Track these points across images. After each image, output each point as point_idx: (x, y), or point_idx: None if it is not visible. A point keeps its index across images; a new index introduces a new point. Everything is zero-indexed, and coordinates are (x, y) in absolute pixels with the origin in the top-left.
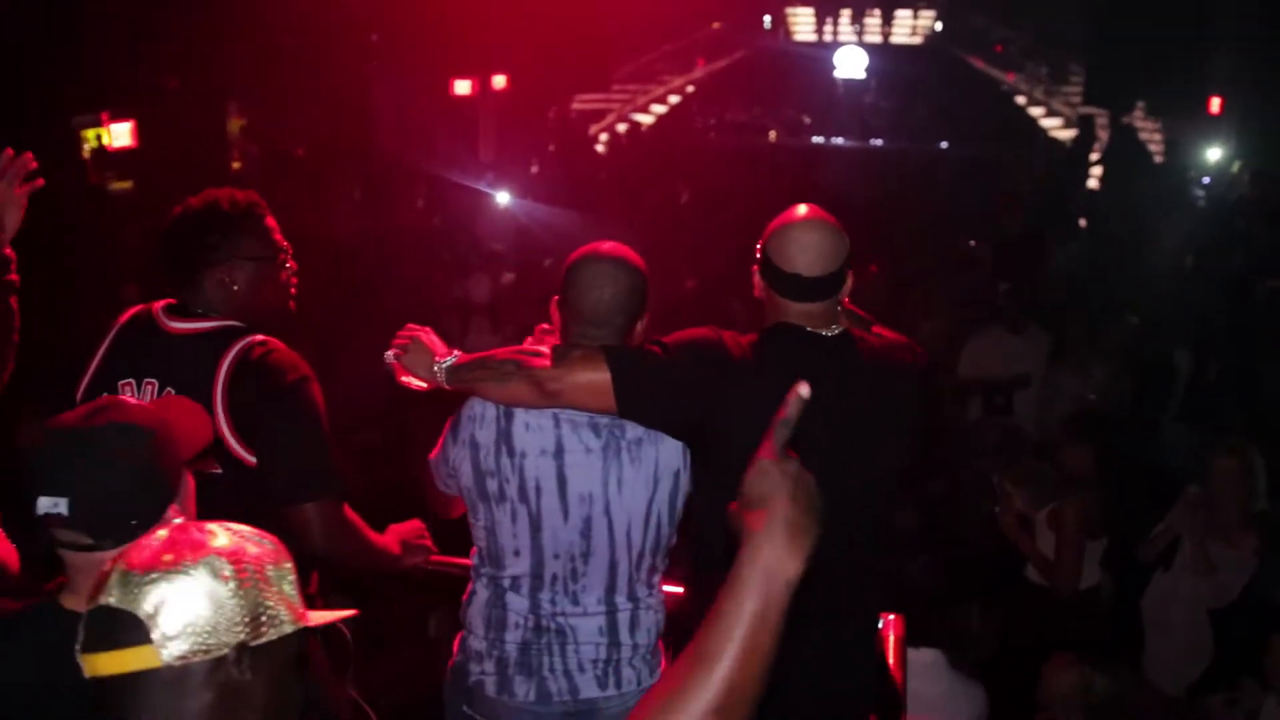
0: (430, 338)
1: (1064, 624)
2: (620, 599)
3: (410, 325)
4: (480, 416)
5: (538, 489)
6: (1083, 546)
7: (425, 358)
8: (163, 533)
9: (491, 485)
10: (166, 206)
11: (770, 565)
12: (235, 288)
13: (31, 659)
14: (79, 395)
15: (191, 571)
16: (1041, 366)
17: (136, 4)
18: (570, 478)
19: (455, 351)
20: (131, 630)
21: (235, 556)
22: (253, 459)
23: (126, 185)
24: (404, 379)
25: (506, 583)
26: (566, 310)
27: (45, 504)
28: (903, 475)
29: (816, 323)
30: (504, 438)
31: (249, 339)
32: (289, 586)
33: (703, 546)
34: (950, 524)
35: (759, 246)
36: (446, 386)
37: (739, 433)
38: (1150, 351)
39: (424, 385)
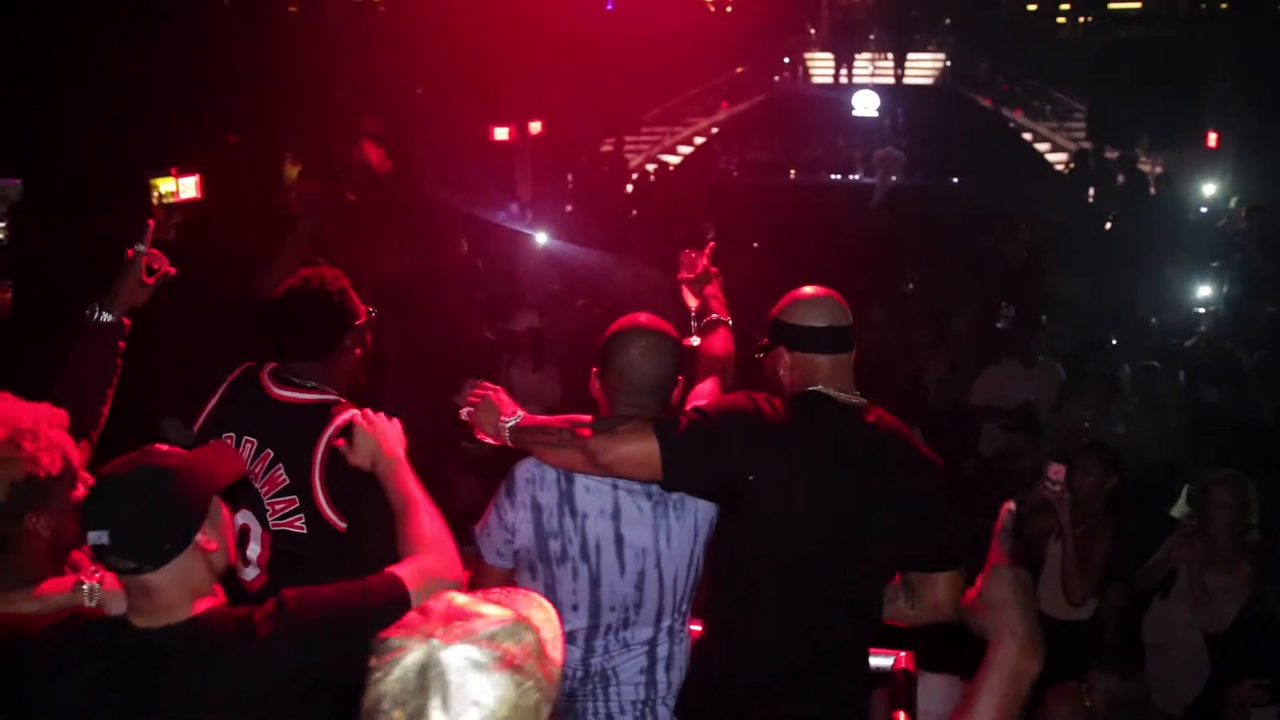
0: (500, 397)
1: (1069, 651)
2: (661, 636)
3: (483, 384)
4: (540, 479)
5: (598, 547)
6: (1106, 568)
7: (493, 416)
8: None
9: (554, 546)
10: (230, 250)
11: (1018, 667)
12: (339, 368)
13: (109, 674)
14: (195, 433)
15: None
16: (1052, 398)
17: (202, 66)
18: (627, 536)
19: (520, 411)
20: None
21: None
22: (343, 525)
23: (193, 233)
24: (479, 434)
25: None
26: (615, 380)
27: (93, 537)
28: (909, 555)
29: (842, 383)
30: (566, 500)
31: (348, 414)
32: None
33: (726, 592)
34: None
35: (771, 323)
36: (510, 444)
37: (772, 494)
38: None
39: (493, 441)
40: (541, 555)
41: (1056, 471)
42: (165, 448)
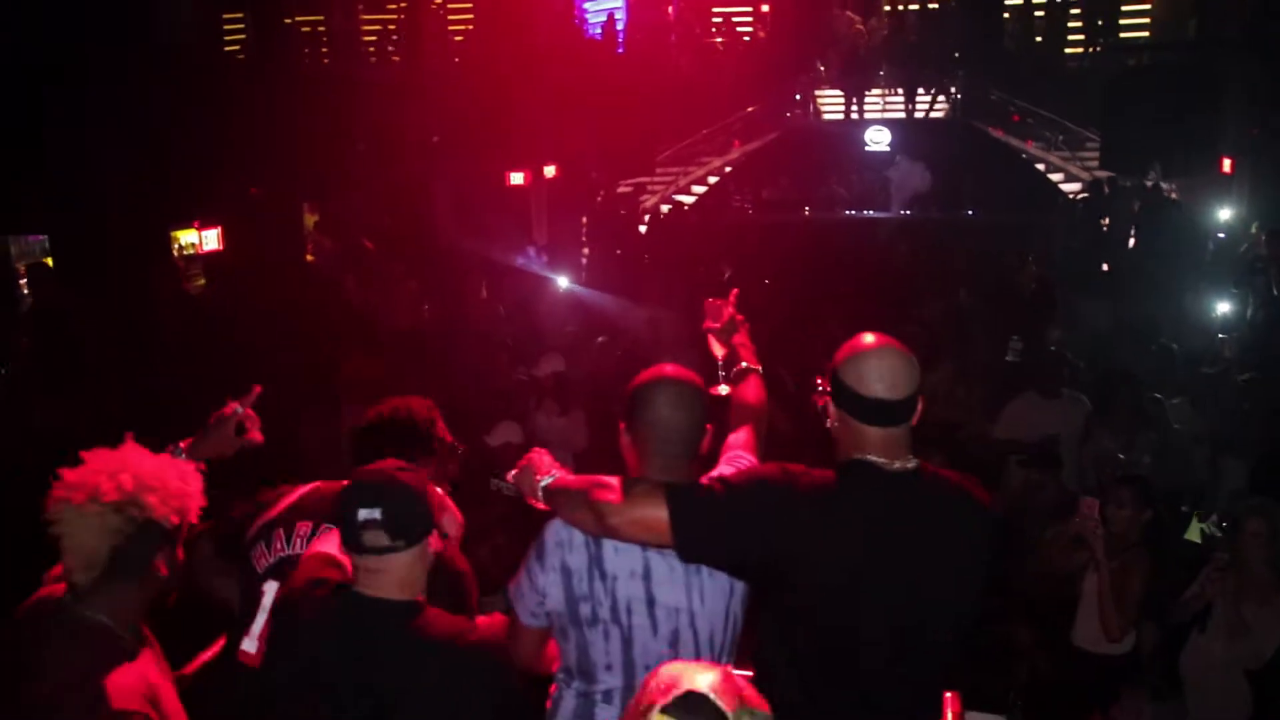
0: (540, 458)
1: (1108, 685)
2: None
3: (535, 449)
4: (569, 542)
5: (629, 609)
6: (1143, 602)
7: (531, 476)
8: None
9: (584, 609)
10: (250, 301)
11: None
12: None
13: (345, 640)
14: (258, 529)
15: None
16: (1076, 430)
17: (224, 120)
18: (658, 596)
19: (555, 472)
20: None
21: None
22: None
23: (213, 285)
24: (529, 499)
25: (599, 696)
26: (644, 433)
27: (364, 513)
28: (969, 620)
29: (893, 453)
30: (595, 562)
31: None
32: None
33: (766, 670)
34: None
35: (830, 373)
36: (544, 506)
37: (813, 576)
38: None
39: (538, 504)
40: (572, 619)
41: (1090, 505)
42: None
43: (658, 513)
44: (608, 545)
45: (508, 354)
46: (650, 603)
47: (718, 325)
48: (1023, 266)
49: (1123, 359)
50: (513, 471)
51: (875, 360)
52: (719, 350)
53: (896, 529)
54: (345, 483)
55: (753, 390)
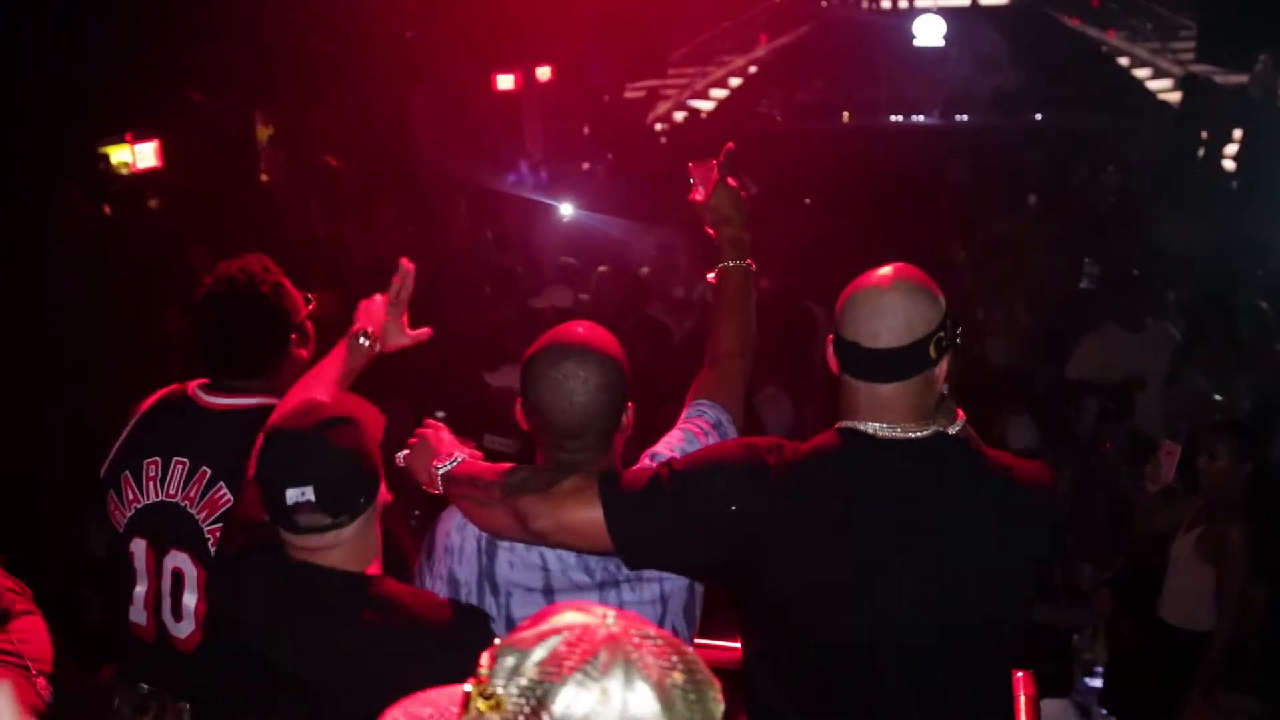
0: (438, 437)
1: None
2: None
3: (429, 421)
4: (458, 549)
5: None
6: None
7: (426, 460)
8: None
9: None
10: (194, 227)
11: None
12: (284, 374)
13: (288, 625)
14: (102, 475)
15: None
16: (1165, 366)
17: (156, 17)
18: None
19: (459, 454)
20: None
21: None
22: None
23: (152, 206)
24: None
25: None
26: (532, 419)
27: (294, 494)
28: (1011, 632)
29: (891, 415)
30: (486, 575)
31: None
32: None
33: (755, 697)
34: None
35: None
36: (441, 494)
37: (782, 570)
38: None
39: (430, 490)
40: None
41: (1169, 451)
42: (326, 399)
43: (590, 514)
44: (501, 559)
45: (497, 288)
46: None
47: (704, 198)
48: (1099, 178)
49: (1222, 287)
50: (403, 452)
51: (866, 298)
52: (712, 231)
53: (884, 510)
54: (191, 387)
55: (738, 297)
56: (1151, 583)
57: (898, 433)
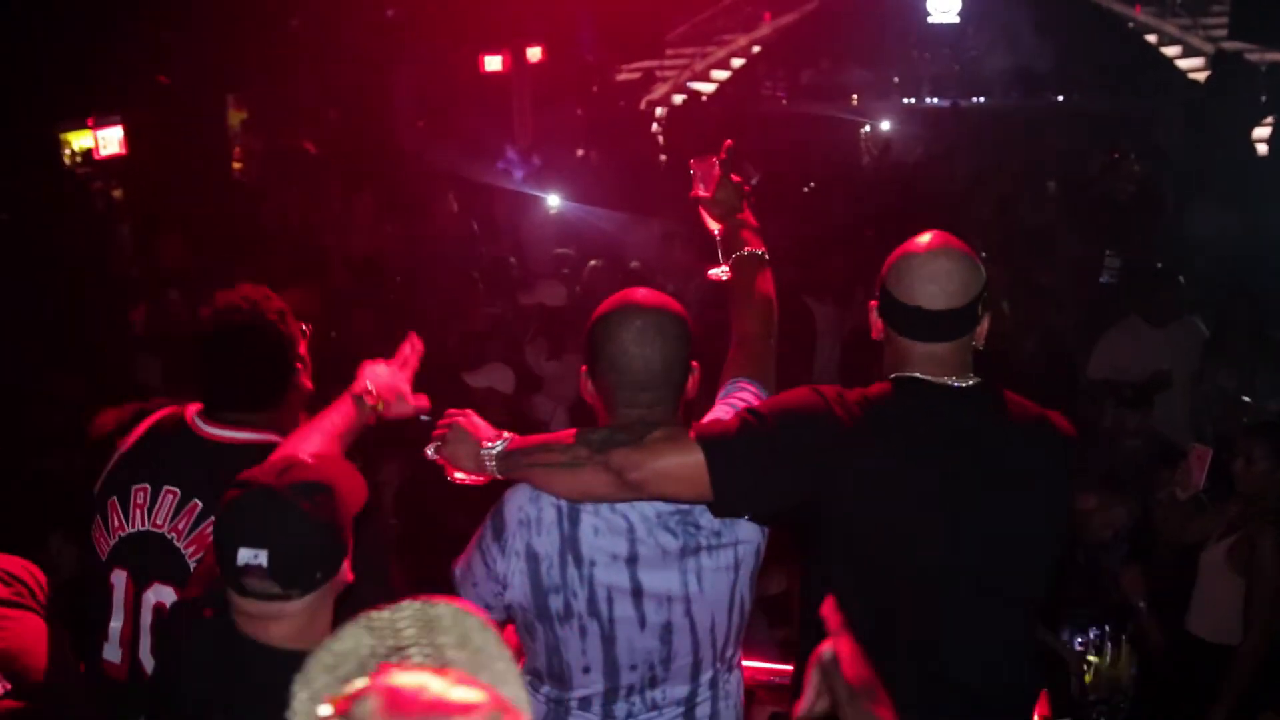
0: (472, 421)
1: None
2: (701, 692)
3: (450, 411)
4: (535, 521)
5: (609, 600)
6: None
7: (470, 446)
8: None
9: (555, 603)
10: (162, 218)
11: None
12: (285, 410)
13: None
14: (95, 493)
15: None
16: (1191, 364)
17: None
18: (646, 583)
19: (505, 434)
20: None
21: None
22: None
23: (116, 195)
24: (455, 475)
25: (574, 703)
26: (607, 376)
27: (246, 555)
28: (1057, 562)
29: (945, 370)
30: (570, 545)
31: None
32: None
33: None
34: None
35: (880, 279)
36: (499, 476)
37: (857, 508)
38: None
39: (478, 479)
40: (541, 613)
41: (1201, 455)
42: (310, 459)
43: (688, 458)
44: (585, 522)
45: (488, 282)
46: (636, 592)
47: (708, 194)
48: (1122, 164)
49: (1253, 281)
50: (433, 445)
51: (923, 261)
52: (714, 226)
53: (953, 451)
54: (190, 413)
55: (757, 282)
56: (1180, 595)
57: (951, 382)
